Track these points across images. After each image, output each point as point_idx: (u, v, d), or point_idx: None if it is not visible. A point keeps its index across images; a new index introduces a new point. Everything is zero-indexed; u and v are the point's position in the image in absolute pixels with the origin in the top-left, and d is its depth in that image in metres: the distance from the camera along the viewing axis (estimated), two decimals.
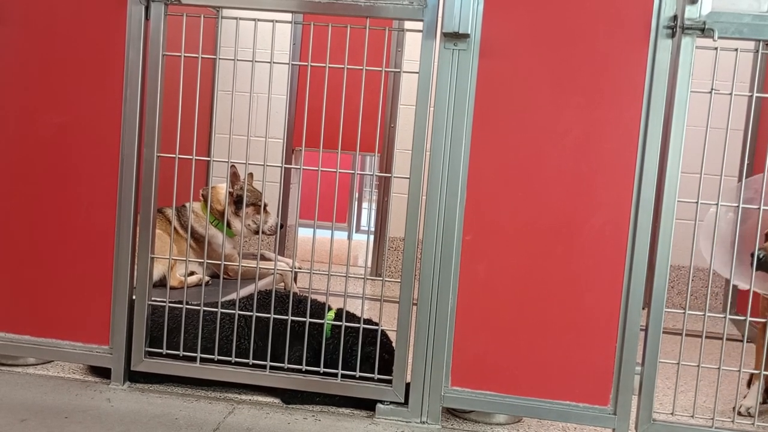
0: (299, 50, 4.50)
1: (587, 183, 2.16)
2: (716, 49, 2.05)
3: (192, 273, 3.57)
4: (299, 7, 2.30)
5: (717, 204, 2.17)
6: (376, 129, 2.37)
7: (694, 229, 2.20)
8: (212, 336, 2.40)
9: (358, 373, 2.33)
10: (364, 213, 7.36)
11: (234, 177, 3.66)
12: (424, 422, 2.27)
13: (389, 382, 2.30)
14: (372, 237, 5.03)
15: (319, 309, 2.46)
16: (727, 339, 2.22)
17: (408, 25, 2.26)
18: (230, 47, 2.36)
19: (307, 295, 2.46)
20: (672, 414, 2.22)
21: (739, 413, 2.43)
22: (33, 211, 2.42)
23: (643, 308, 2.17)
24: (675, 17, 2.06)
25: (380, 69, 2.27)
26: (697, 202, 2.14)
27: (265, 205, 3.67)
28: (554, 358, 2.21)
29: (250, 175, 3.81)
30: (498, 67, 2.17)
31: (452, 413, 2.37)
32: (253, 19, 2.27)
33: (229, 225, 3.73)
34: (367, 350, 2.36)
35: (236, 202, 3.69)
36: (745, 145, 3.94)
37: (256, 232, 3.78)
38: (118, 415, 2.17)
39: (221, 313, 2.40)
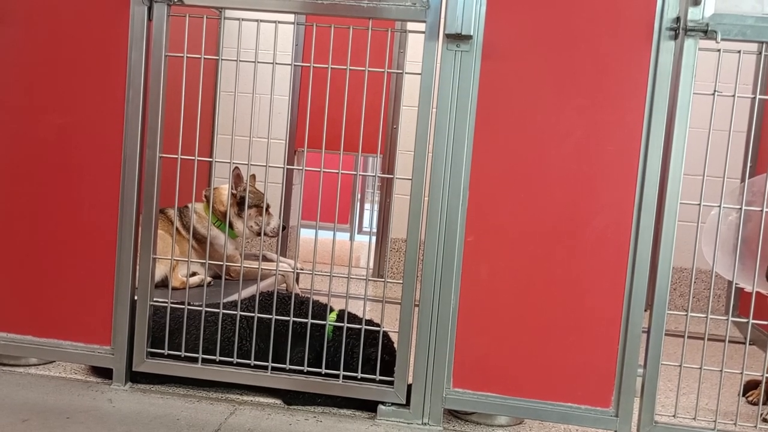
0: (302, 51, 4.50)
1: (589, 185, 2.16)
2: (719, 50, 2.05)
3: (194, 274, 3.58)
4: (302, 8, 2.30)
5: (720, 206, 2.17)
6: (379, 130, 2.37)
7: (696, 231, 2.19)
8: (214, 337, 2.40)
9: (359, 375, 2.33)
10: (366, 214, 7.36)
11: (237, 179, 3.66)
12: (425, 424, 2.27)
13: (391, 383, 2.30)
14: (374, 238, 5.03)
15: (321, 310, 2.46)
16: (730, 341, 2.22)
17: (410, 26, 2.26)
18: (233, 48, 2.36)
19: (309, 296, 2.46)
20: (674, 416, 2.21)
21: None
22: (35, 211, 2.43)
23: (646, 310, 2.16)
24: (678, 19, 2.06)
25: (383, 70, 2.27)
26: (699, 204, 2.14)
27: (268, 207, 3.67)
28: (556, 359, 2.21)
29: (253, 176, 3.81)
30: (500, 69, 2.17)
31: (454, 415, 2.37)
32: (256, 20, 2.27)
33: (231, 226, 3.73)
34: (368, 351, 2.36)
35: (239, 203, 3.69)
36: (748, 147, 3.94)
37: (259, 234, 3.78)
38: (119, 415, 2.17)
39: (223, 313, 2.40)
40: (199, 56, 2.30)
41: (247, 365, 2.38)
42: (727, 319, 2.23)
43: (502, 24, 2.16)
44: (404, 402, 2.29)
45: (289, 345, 2.36)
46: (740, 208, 2.17)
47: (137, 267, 2.39)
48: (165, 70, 2.31)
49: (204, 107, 2.35)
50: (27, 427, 2.03)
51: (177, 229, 3.47)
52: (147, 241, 2.37)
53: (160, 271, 3.22)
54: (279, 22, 2.28)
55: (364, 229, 7.20)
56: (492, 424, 2.34)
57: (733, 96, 2.09)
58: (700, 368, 2.17)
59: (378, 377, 2.31)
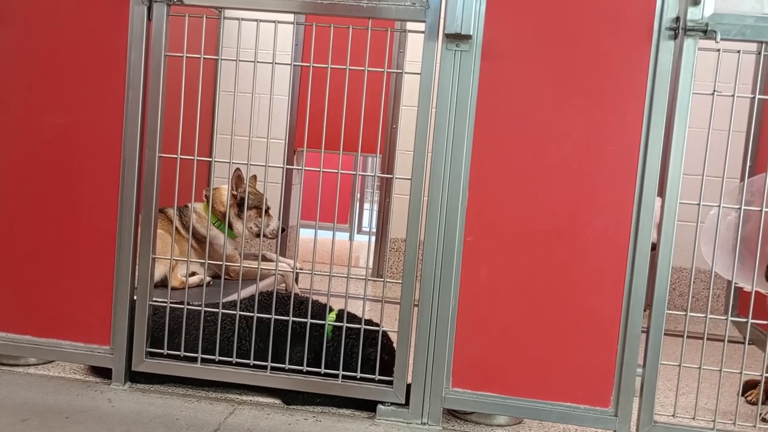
0: (301, 51, 4.50)
1: (589, 185, 2.16)
2: (718, 50, 2.05)
3: (193, 273, 3.58)
4: (301, 8, 2.30)
5: (719, 206, 2.17)
6: (378, 130, 2.37)
7: (696, 231, 2.19)
8: (213, 337, 2.40)
9: (359, 374, 2.33)
10: (366, 214, 7.36)
11: (238, 180, 3.66)
12: (424, 423, 2.27)
13: (390, 383, 2.30)
14: (373, 238, 5.04)
15: (320, 310, 2.46)
16: (729, 341, 2.22)
17: (410, 26, 2.26)
18: (232, 48, 2.36)
19: (308, 296, 2.46)
20: (673, 416, 2.21)
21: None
22: (34, 211, 2.43)
23: (645, 310, 2.16)
24: (677, 19, 2.06)
25: (382, 70, 2.27)
26: (699, 204, 2.14)
27: (268, 209, 3.67)
28: (555, 359, 2.21)
29: (254, 177, 3.81)
30: (500, 69, 2.17)
31: (453, 414, 2.37)
32: (255, 20, 2.27)
33: (230, 227, 3.73)
34: (368, 351, 2.36)
35: (239, 204, 3.69)
36: (747, 147, 3.94)
37: (258, 235, 3.78)
38: (119, 415, 2.17)
39: (222, 313, 2.40)
40: (198, 56, 2.30)
41: (247, 365, 2.38)
42: (727, 319, 2.23)
43: (501, 24, 2.16)
44: (403, 402, 2.29)
45: (288, 345, 2.36)
46: (739, 208, 2.17)
47: (137, 267, 2.39)
48: (164, 69, 2.31)
49: (203, 107, 2.35)
50: (26, 427, 2.03)
51: (176, 228, 3.47)
52: (146, 240, 2.37)
53: (160, 270, 3.22)
54: (278, 21, 2.28)
55: (363, 229, 7.20)
56: (491, 424, 2.34)
57: (733, 96, 2.09)
58: (699, 368, 2.17)
59: (377, 377, 2.31)
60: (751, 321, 2.20)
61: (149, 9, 2.29)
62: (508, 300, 2.22)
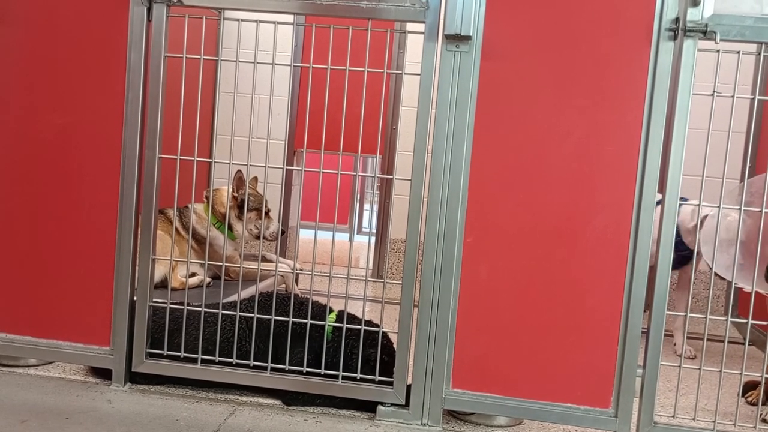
0: (301, 52, 4.50)
1: (589, 185, 2.16)
2: (718, 51, 2.05)
3: (193, 274, 3.58)
4: (301, 8, 2.30)
5: (719, 206, 2.17)
6: (378, 130, 2.37)
7: (696, 231, 2.19)
8: (213, 337, 2.40)
9: (359, 375, 2.32)
10: (366, 215, 7.35)
11: (239, 182, 3.66)
12: (424, 424, 2.27)
13: (390, 384, 2.30)
14: (373, 239, 5.03)
15: (320, 311, 2.46)
16: (729, 342, 2.22)
17: (410, 26, 2.26)
18: (232, 49, 2.36)
19: (308, 296, 2.46)
20: (673, 417, 2.21)
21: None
22: (34, 211, 2.43)
23: (645, 310, 2.16)
24: (677, 20, 2.06)
25: (382, 71, 2.27)
26: (699, 205, 2.14)
27: (268, 211, 3.66)
28: (555, 360, 2.21)
29: (255, 178, 3.80)
30: (500, 69, 2.17)
31: (453, 415, 2.37)
32: (255, 21, 2.28)
33: (230, 228, 3.73)
34: (368, 352, 2.36)
35: (239, 206, 3.69)
36: (747, 148, 3.94)
37: (258, 237, 3.78)
38: (119, 416, 2.17)
39: (222, 314, 2.40)
40: (198, 57, 2.30)
41: (247, 366, 2.38)
42: (727, 320, 2.23)
43: (501, 24, 2.16)
44: (403, 402, 2.29)
45: (288, 345, 2.36)
46: (739, 209, 2.17)
47: (136, 267, 2.39)
48: (164, 70, 2.31)
49: (203, 108, 2.35)
50: (26, 428, 2.03)
51: (176, 229, 3.46)
52: (146, 241, 2.37)
53: (160, 271, 3.21)
54: (278, 22, 2.28)
55: (363, 230, 7.20)
56: (491, 425, 2.34)
57: (732, 96, 2.09)
58: (700, 369, 2.17)
59: (377, 378, 2.31)
60: (751, 322, 2.20)
61: (149, 10, 2.29)
62: (508, 300, 2.22)
